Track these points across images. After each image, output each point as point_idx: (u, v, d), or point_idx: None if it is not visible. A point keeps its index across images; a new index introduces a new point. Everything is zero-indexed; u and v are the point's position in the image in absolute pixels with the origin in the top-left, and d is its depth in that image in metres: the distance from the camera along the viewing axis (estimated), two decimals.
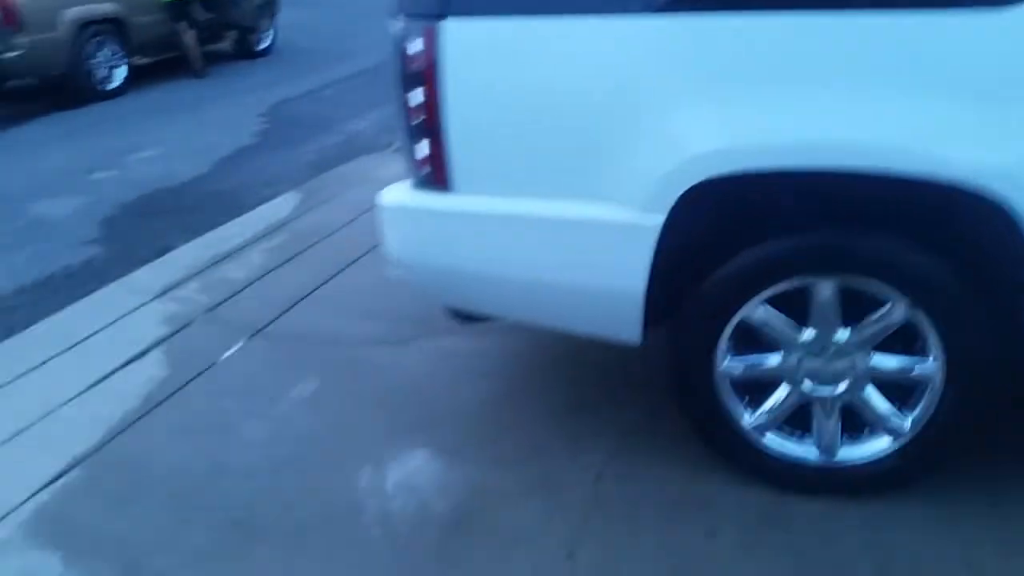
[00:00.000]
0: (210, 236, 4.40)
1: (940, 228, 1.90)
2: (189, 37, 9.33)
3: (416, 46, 2.01)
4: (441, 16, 1.98)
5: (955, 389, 1.99)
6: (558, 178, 2.01)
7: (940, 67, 1.71)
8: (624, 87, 1.90)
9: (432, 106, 2.02)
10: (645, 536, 2.11)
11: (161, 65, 9.43)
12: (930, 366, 1.99)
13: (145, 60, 9.19)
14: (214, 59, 10.12)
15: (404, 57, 2.04)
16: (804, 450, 2.16)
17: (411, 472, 2.39)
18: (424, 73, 2.01)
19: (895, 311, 1.95)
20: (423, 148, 2.09)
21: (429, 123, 2.05)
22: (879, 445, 2.11)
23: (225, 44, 10.46)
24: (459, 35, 1.98)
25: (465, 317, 2.47)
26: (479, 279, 2.22)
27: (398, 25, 2.06)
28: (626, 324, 2.09)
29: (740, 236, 2.00)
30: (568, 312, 2.20)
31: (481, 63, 2.00)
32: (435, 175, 2.11)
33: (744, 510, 2.17)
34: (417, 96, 2.04)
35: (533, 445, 2.48)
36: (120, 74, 8.69)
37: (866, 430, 2.13)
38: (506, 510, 2.23)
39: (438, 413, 2.67)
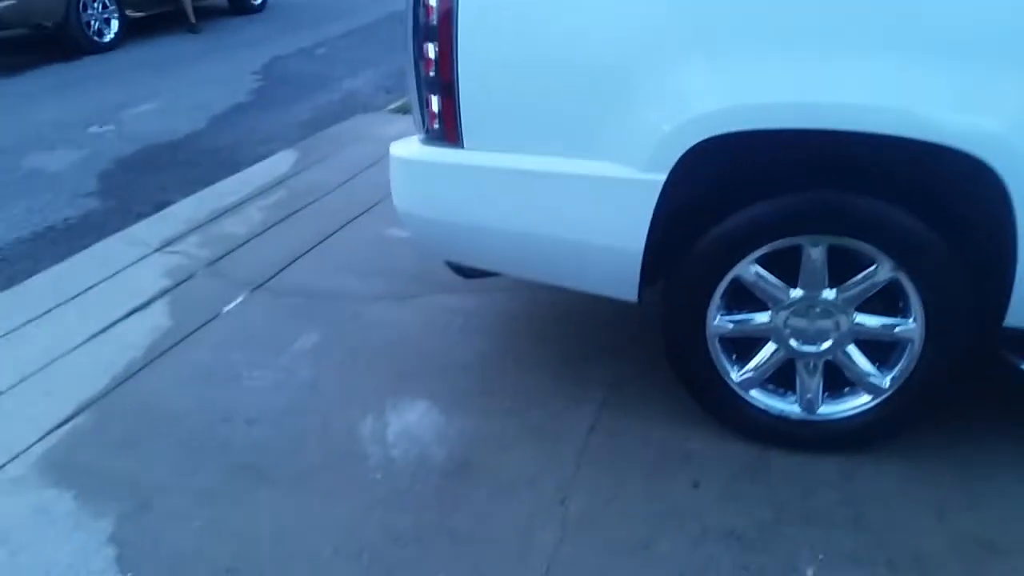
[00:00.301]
0: (208, 192, 4.44)
1: (928, 191, 1.98)
2: None
3: (431, 0, 2.05)
4: None
5: (934, 349, 2.08)
6: (565, 136, 2.06)
7: (935, 30, 1.76)
8: (629, 46, 1.94)
9: (445, 61, 2.07)
10: (633, 485, 2.21)
11: (155, 19, 9.36)
12: (911, 326, 2.08)
13: (139, 13, 9.11)
14: (208, 14, 10.05)
15: (419, 11, 2.09)
16: (787, 406, 2.26)
17: (411, 421, 2.48)
18: (439, 27, 2.06)
19: (879, 272, 2.03)
20: (434, 103, 2.15)
21: (442, 78, 2.09)
22: (859, 402, 2.21)
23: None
24: None
25: (468, 272, 2.54)
26: (485, 234, 2.28)
27: None
28: (624, 282, 2.17)
29: (737, 196, 2.06)
30: (569, 268, 2.27)
31: (494, 19, 2.04)
32: (445, 130, 2.16)
33: (728, 463, 2.27)
34: (430, 50, 2.08)
35: (529, 397, 2.57)
36: (114, 27, 8.62)
37: (847, 388, 2.23)
38: (502, 458, 2.32)
39: (437, 366, 2.75)
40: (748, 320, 2.21)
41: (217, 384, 2.71)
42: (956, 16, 1.75)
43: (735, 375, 2.27)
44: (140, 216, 4.19)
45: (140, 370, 2.81)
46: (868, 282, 2.06)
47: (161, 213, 4.19)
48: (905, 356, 2.12)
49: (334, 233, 3.79)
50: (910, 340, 2.10)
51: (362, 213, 3.97)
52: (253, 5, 10.52)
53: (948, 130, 1.80)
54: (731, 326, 2.22)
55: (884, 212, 1.96)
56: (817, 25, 1.83)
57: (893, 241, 1.97)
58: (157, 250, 3.72)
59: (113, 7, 8.60)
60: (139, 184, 4.79)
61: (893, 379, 2.15)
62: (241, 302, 3.21)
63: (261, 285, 3.33)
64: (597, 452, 2.34)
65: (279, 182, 4.50)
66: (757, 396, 2.28)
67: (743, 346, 2.26)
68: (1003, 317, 2.00)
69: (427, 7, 2.07)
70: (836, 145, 1.90)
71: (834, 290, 2.10)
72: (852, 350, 2.17)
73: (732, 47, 1.89)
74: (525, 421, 2.47)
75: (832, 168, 2.00)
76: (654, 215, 2.04)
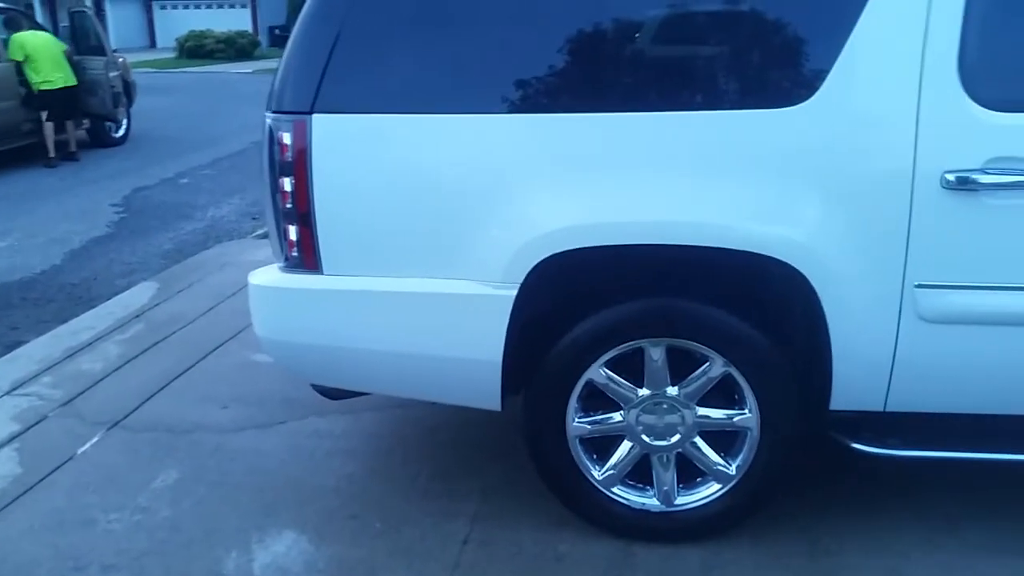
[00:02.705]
0: (63, 329, 4.29)
1: (748, 295, 2.18)
2: (47, 128, 9.09)
3: (286, 139, 2.16)
4: (310, 112, 2.14)
5: (770, 435, 2.24)
6: (420, 258, 2.19)
7: (748, 155, 2.03)
8: (477, 177, 2.13)
9: (301, 193, 2.17)
10: None
11: (8, 154, 9.09)
12: (747, 416, 2.24)
13: None
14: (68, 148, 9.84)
15: (275, 148, 2.19)
16: (647, 499, 2.36)
17: (278, 553, 2.42)
18: (294, 163, 2.16)
19: (713, 368, 2.20)
20: (292, 232, 2.22)
21: (298, 209, 2.19)
22: (711, 490, 2.33)
23: (80, 132, 10.20)
24: (326, 129, 2.15)
25: (334, 394, 2.57)
26: (348, 356, 2.34)
27: (269, 119, 2.20)
28: (486, 392, 2.26)
29: (583, 305, 2.22)
30: (433, 383, 2.35)
31: (346, 154, 2.18)
32: (304, 257, 2.24)
33: (595, 562, 2.33)
34: (286, 184, 2.18)
35: (400, 517, 2.56)
36: None
37: (699, 478, 2.35)
38: None
39: (304, 493, 2.71)
40: (604, 420, 2.32)
41: (71, 530, 2.58)
42: (766, 142, 2.02)
43: (597, 473, 2.35)
44: None
45: None
46: (704, 377, 2.22)
47: (11, 354, 4.01)
48: (746, 444, 2.27)
49: (196, 363, 3.72)
50: (748, 428, 2.25)
51: (227, 340, 3.93)
52: (114, 138, 10.38)
53: (760, 241, 2.02)
54: (589, 427, 2.32)
55: (710, 314, 2.15)
56: (644, 154, 2.06)
57: (720, 340, 2.16)
58: (7, 393, 3.54)
59: None
60: None
61: (738, 466, 2.29)
62: (97, 442, 3.09)
63: (118, 423, 3.21)
64: (471, 565, 2.35)
65: (138, 314, 4.39)
66: (619, 492, 2.37)
67: (602, 445, 2.36)
68: (829, 402, 2.19)
69: (282, 145, 2.17)
70: (664, 257, 2.10)
71: (676, 387, 2.24)
72: (699, 442, 2.30)
73: (569, 174, 2.09)
74: (396, 542, 2.45)
75: (663, 277, 2.18)
76: (509, 327, 2.16)
